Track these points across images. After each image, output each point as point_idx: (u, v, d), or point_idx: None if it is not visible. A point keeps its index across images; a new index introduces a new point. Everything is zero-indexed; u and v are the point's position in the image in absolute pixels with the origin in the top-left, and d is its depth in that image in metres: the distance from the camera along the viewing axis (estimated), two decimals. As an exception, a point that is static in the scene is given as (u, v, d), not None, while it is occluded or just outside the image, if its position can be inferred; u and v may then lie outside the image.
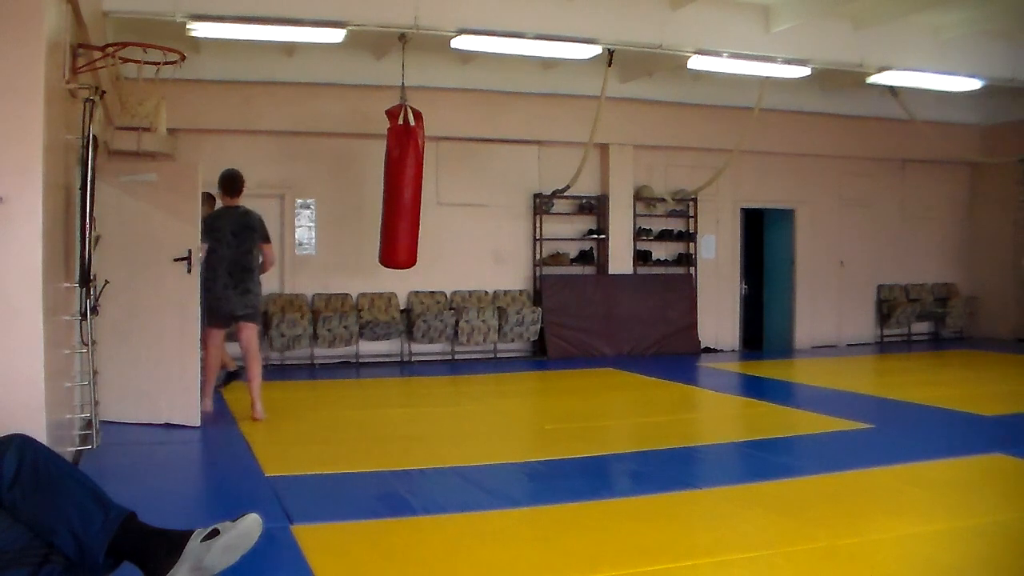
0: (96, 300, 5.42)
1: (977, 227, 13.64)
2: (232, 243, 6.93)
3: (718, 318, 12.30)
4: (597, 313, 11.52)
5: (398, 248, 9.34)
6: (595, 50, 9.04)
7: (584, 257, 11.72)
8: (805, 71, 9.77)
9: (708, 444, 6.42)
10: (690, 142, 11.74)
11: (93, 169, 5.00)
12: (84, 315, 5.21)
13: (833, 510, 4.41)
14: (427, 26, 8.22)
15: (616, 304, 11.60)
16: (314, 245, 10.70)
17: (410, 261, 9.48)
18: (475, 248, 11.20)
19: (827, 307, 12.77)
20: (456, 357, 11.06)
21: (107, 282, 5.88)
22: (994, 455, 5.64)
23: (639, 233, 11.85)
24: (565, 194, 11.06)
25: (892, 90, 10.77)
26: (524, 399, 8.87)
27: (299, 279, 10.60)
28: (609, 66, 9.24)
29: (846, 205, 12.92)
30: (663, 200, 11.70)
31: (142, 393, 6.61)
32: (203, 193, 8.28)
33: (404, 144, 9.10)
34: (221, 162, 9.71)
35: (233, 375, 8.20)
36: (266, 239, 7.11)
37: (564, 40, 8.82)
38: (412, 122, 9.13)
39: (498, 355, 11.21)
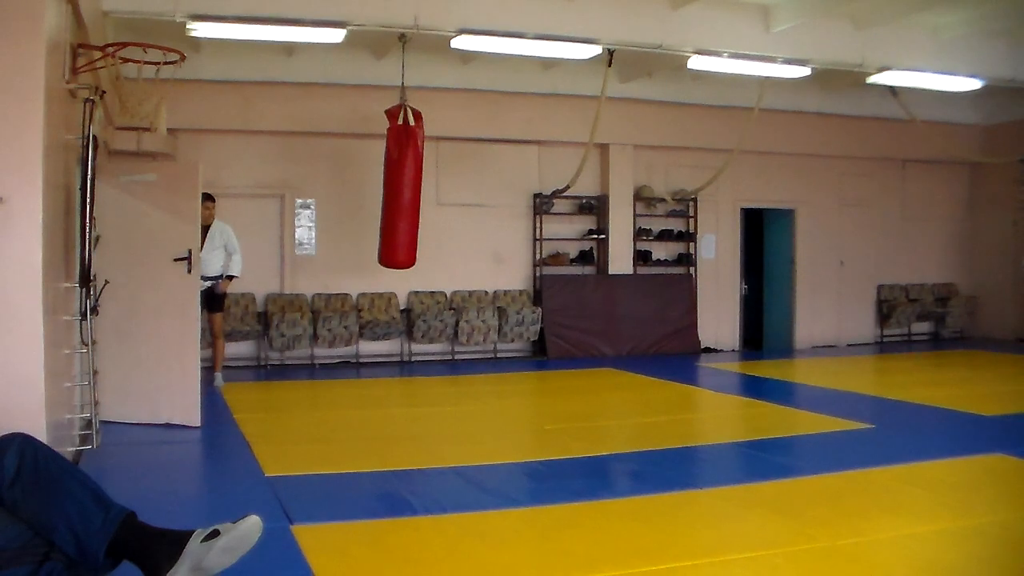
0: (96, 300, 5.42)
1: (977, 227, 13.64)
2: None
3: (718, 318, 12.30)
4: (597, 313, 11.51)
5: (397, 248, 9.34)
6: (595, 50, 9.04)
7: (584, 257, 11.72)
8: (805, 71, 9.77)
9: (708, 444, 6.43)
10: (690, 142, 11.74)
11: (93, 169, 5.01)
12: (84, 315, 5.21)
13: (833, 510, 4.40)
14: (427, 26, 8.22)
15: (616, 304, 11.60)
16: (314, 245, 10.69)
17: (409, 261, 9.48)
18: (475, 248, 11.20)
19: (827, 307, 12.77)
20: (456, 357, 11.05)
21: (107, 282, 5.88)
22: (994, 455, 5.64)
23: (639, 233, 11.85)
24: (565, 194, 11.05)
25: (892, 90, 10.77)
26: (524, 399, 8.87)
27: (299, 279, 10.59)
28: (609, 66, 9.23)
29: (846, 205, 12.92)
30: (663, 200, 11.70)
31: (142, 393, 6.60)
32: (205, 194, 8.34)
33: (404, 144, 9.10)
34: (221, 162, 9.81)
35: None
36: None
37: (564, 40, 8.81)
38: (412, 122, 9.13)
39: (498, 355, 11.21)
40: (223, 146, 10.11)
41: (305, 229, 10.67)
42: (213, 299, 8.26)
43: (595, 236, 11.70)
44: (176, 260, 6.56)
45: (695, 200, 11.92)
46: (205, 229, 8.21)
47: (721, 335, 12.36)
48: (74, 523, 2.74)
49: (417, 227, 9.37)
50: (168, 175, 6.92)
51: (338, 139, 10.60)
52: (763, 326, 13.08)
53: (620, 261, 11.67)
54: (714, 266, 12.30)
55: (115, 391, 6.49)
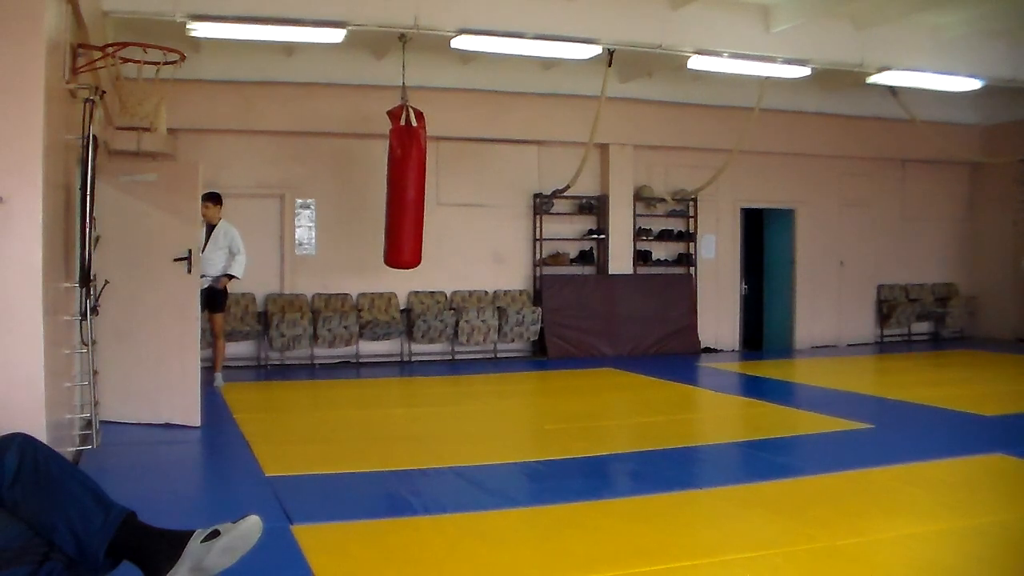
0: (96, 300, 5.42)
1: (977, 227, 13.64)
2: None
3: (718, 318, 12.30)
4: (597, 313, 11.51)
5: (403, 248, 9.35)
6: (595, 50, 9.04)
7: (584, 257, 11.72)
8: (805, 71, 9.76)
9: (708, 444, 6.43)
10: (690, 142, 11.74)
11: (93, 169, 5.01)
12: (84, 315, 5.21)
13: (833, 510, 4.40)
14: (427, 26, 8.22)
15: (616, 304, 11.60)
16: (314, 245, 10.69)
17: (415, 261, 9.49)
18: (475, 248, 11.20)
19: (827, 307, 12.77)
20: (456, 357, 11.05)
21: (107, 282, 5.88)
22: (994, 455, 5.64)
23: (639, 233, 11.85)
24: (565, 194, 11.05)
25: (892, 90, 10.76)
26: (524, 399, 8.87)
27: (299, 279, 10.60)
28: (609, 66, 9.23)
29: (846, 205, 12.92)
30: (663, 200, 11.70)
31: (142, 393, 6.60)
32: (213, 193, 8.34)
33: (407, 144, 9.10)
34: (221, 162, 9.81)
35: None
36: None
37: (564, 40, 8.81)
38: (414, 122, 9.14)
39: (498, 355, 11.21)
40: (223, 146, 10.11)
41: (305, 229, 10.67)
42: (214, 299, 8.26)
43: (595, 236, 11.70)
44: (176, 260, 6.56)
45: (695, 200, 11.91)
46: (210, 228, 8.23)
47: (721, 335, 12.36)
48: (74, 523, 2.74)
49: (422, 227, 9.38)
50: (168, 175, 6.92)
51: (338, 139, 10.61)
52: (763, 326, 13.08)
53: (620, 261, 11.67)
54: (714, 266, 12.30)
55: (115, 391, 6.49)
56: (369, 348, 10.70)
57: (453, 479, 5.13)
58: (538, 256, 11.50)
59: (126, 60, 6.05)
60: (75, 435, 5.39)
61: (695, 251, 12.14)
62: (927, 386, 8.71)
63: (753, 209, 12.72)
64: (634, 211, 11.76)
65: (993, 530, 4.10)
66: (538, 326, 11.09)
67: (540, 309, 11.13)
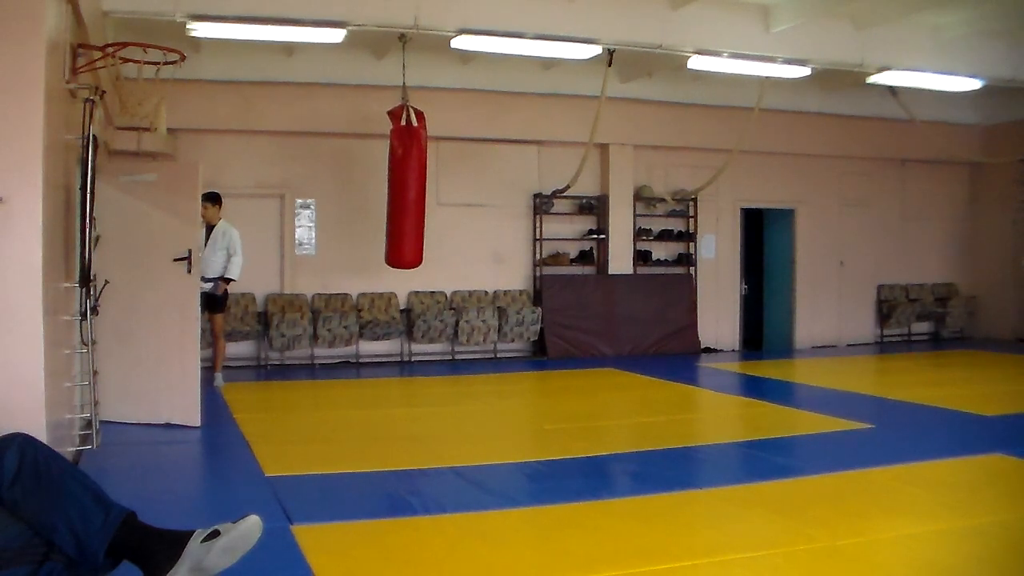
0: (96, 300, 5.42)
1: (977, 227, 13.63)
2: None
3: (718, 318, 12.30)
4: (597, 313, 11.51)
5: (404, 248, 9.35)
6: (595, 50, 9.04)
7: (584, 257, 11.72)
8: (805, 71, 9.77)
9: (708, 444, 6.42)
10: (690, 142, 11.74)
11: (93, 169, 5.01)
12: (84, 315, 5.21)
13: (833, 510, 4.40)
14: (427, 26, 8.22)
15: (616, 304, 11.60)
16: (314, 245, 10.69)
17: (416, 261, 9.49)
18: (475, 248, 11.20)
19: (827, 307, 12.77)
20: (456, 357, 11.05)
21: (107, 282, 5.88)
22: (994, 455, 5.64)
23: (639, 233, 11.85)
24: (565, 194, 11.05)
25: (892, 90, 10.77)
26: (524, 399, 8.87)
27: (299, 279, 10.60)
28: (609, 66, 9.23)
29: (846, 205, 12.92)
30: (663, 200, 11.69)
31: (142, 393, 6.60)
32: (212, 193, 8.33)
33: (408, 144, 9.10)
34: (221, 162, 9.81)
35: None
36: None
37: (564, 40, 8.82)
38: (415, 122, 9.14)
39: (498, 355, 11.21)
40: (223, 146, 10.11)
41: (305, 229, 10.67)
42: (213, 300, 8.25)
43: (595, 236, 11.70)
44: (176, 260, 6.56)
45: (695, 200, 11.91)
46: (210, 229, 8.22)
47: (721, 335, 12.36)
48: (74, 523, 2.74)
49: (423, 227, 9.38)
50: (168, 175, 6.92)
51: (338, 139, 10.61)
52: (763, 326, 13.08)
53: (620, 261, 11.67)
54: (714, 266, 12.30)
55: (115, 391, 6.49)
56: (369, 348, 10.70)
57: (453, 479, 5.13)
58: (538, 256, 11.50)
59: (126, 60, 6.06)
60: (75, 435, 5.39)
61: (695, 251, 12.14)
62: (927, 386, 8.71)
63: (753, 209, 12.72)
64: (634, 211, 11.76)
65: (993, 530, 4.10)
66: (538, 326, 11.09)
67: (540, 309, 11.13)
